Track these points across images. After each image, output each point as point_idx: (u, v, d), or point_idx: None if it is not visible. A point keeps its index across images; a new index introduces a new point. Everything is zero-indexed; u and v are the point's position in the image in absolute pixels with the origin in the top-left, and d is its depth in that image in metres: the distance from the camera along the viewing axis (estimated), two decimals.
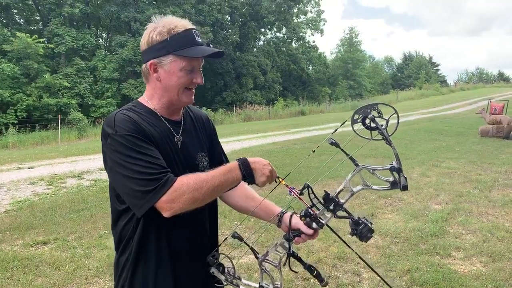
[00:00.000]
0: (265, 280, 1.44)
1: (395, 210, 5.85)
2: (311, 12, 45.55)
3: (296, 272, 1.40)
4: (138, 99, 1.52)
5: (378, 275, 1.53)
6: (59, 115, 20.06)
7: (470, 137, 13.25)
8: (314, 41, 48.76)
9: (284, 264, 1.43)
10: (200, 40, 1.43)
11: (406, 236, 4.80)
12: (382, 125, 1.31)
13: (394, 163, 1.31)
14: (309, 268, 1.42)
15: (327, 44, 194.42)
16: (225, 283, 1.46)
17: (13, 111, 21.77)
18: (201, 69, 1.48)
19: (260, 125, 22.39)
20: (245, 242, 1.42)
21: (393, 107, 1.35)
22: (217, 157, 1.66)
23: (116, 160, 1.32)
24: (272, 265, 1.43)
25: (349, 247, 1.50)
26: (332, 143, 1.31)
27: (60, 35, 25.83)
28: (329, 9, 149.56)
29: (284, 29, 43.22)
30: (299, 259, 1.42)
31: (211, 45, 1.46)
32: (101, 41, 33.27)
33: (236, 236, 1.41)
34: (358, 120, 1.33)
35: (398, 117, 1.34)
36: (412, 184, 7.30)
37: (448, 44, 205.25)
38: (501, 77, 73.15)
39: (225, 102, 34.08)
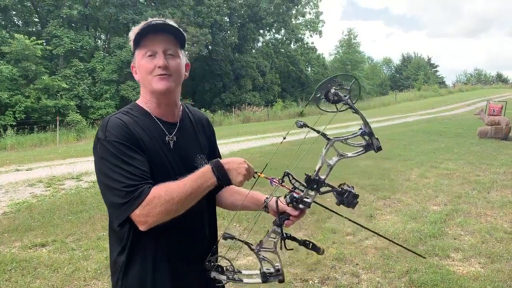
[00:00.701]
0: (265, 266, 1.45)
1: (393, 211, 5.85)
2: (309, 13, 45.66)
3: (292, 249, 1.44)
4: (136, 101, 1.53)
5: (370, 230, 1.53)
6: (58, 117, 20.03)
7: (469, 138, 13.27)
8: (312, 43, 48.68)
9: (281, 248, 1.44)
10: (154, 24, 1.41)
11: (404, 237, 4.80)
12: (345, 96, 1.32)
13: (363, 127, 1.32)
14: (304, 243, 1.46)
15: (325, 45, 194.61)
16: (226, 282, 1.46)
17: (11, 112, 21.71)
18: (169, 53, 1.43)
19: (259, 126, 22.39)
20: (238, 239, 1.41)
21: (352, 76, 1.36)
22: None
23: (100, 166, 1.34)
24: (269, 251, 1.45)
25: (340, 215, 1.52)
26: (301, 126, 1.31)
27: (59, 36, 25.80)
28: (328, 10, 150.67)
29: (282, 31, 43.27)
30: (293, 238, 1.45)
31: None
32: (99, 42, 33.24)
33: (227, 236, 1.40)
34: (322, 97, 1.33)
35: (358, 84, 1.36)
36: (410, 185, 7.31)
37: (447, 45, 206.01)
38: (500, 79, 73.37)
39: (224, 103, 34.07)
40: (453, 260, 4.19)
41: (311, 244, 1.47)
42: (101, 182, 1.34)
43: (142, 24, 1.43)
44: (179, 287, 1.47)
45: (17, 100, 21.92)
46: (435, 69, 70.75)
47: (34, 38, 23.39)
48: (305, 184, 1.36)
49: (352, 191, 1.34)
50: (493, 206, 6.00)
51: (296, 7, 42.49)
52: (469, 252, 4.37)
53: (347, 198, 1.34)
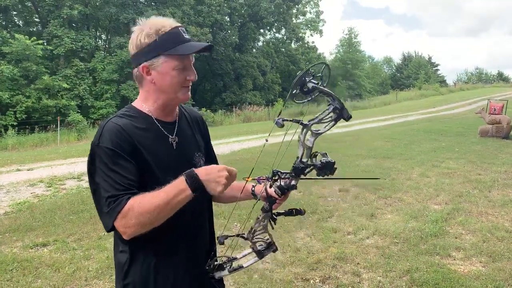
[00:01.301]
0: (258, 244, 1.47)
1: (394, 211, 5.85)
2: (310, 12, 45.65)
3: (276, 221, 1.49)
4: (132, 103, 1.51)
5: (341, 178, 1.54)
6: (58, 117, 20.01)
7: (470, 137, 13.25)
8: (313, 42, 48.82)
9: (273, 228, 1.47)
10: (188, 37, 1.42)
11: (406, 236, 4.80)
12: (318, 83, 1.33)
13: (332, 102, 1.32)
14: (289, 213, 1.53)
15: (326, 44, 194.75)
16: (230, 273, 1.47)
17: (12, 112, 21.74)
18: (192, 65, 1.47)
19: (260, 126, 22.35)
20: (231, 236, 1.42)
21: (323, 62, 1.39)
22: (212, 161, 1.63)
23: (91, 172, 1.35)
24: (260, 233, 1.48)
25: (326, 177, 1.53)
26: (282, 125, 1.32)
27: (59, 36, 25.80)
28: (328, 9, 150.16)
29: (283, 30, 43.25)
30: (280, 214, 1.50)
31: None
32: (100, 42, 33.24)
33: (222, 240, 1.40)
34: (297, 92, 1.33)
35: (329, 68, 1.37)
36: (411, 184, 7.30)
37: (447, 44, 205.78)
38: (500, 77, 73.18)
39: (224, 103, 34.06)
40: (454, 259, 4.19)
41: (294, 210, 1.54)
42: (91, 187, 1.37)
43: (173, 29, 1.39)
44: (181, 287, 1.47)
45: (18, 100, 21.94)
46: (435, 68, 70.64)
47: (35, 38, 23.38)
48: (293, 174, 1.38)
49: (329, 160, 1.35)
50: (494, 205, 6.00)
51: (296, 6, 42.48)
52: (470, 251, 4.37)
53: (328, 169, 1.35)
